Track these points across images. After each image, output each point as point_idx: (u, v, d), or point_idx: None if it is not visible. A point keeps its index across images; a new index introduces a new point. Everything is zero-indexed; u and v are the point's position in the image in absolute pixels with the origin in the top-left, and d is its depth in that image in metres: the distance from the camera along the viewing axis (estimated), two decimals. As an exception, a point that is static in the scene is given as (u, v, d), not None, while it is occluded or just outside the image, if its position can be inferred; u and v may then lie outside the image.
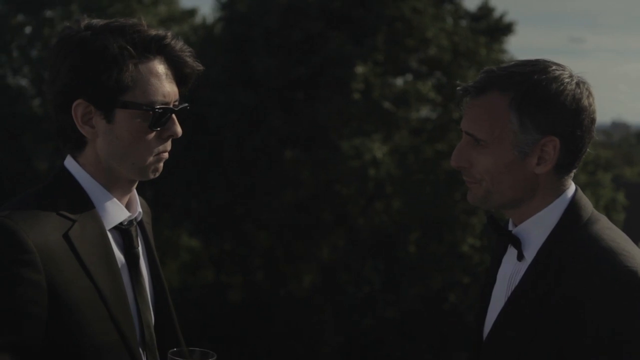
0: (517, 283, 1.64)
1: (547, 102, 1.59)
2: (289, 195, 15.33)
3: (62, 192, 1.57)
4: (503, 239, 1.71)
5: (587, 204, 1.66)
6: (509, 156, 1.61)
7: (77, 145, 1.59)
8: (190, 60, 1.61)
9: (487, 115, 1.62)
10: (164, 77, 1.58)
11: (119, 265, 1.58)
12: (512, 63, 1.65)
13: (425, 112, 16.24)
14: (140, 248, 1.65)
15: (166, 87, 1.58)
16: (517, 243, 1.66)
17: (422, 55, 16.00)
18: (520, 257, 1.66)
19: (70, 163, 1.61)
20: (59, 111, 1.57)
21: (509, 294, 1.65)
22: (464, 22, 16.75)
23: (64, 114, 1.56)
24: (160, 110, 1.56)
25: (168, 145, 1.62)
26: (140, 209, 1.66)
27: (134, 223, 1.64)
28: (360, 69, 14.69)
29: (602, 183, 16.10)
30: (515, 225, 1.69)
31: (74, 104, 1.54)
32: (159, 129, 1.57)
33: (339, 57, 14.84)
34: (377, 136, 15.15)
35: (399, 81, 16.29)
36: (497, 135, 1.61)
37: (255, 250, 16.12)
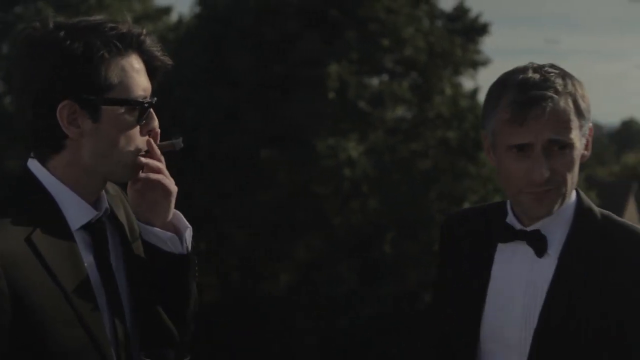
0: (550, 279, 1.72)
1: (583, 92, 1.74)
2: (265, 195, 15.30)
3: (25, 195, 1.54)
4: (517, 236, 1.75)
5: (590, 200, 1.80)
6: (580, 149, 1.73)
7: (55, 147, 1.56)
8: (160, 54, 1.62)
9: (567, 119, 1.70)
10: (142, 72, 1.59)
11: (88, 266, 1.55)
12: (536, 67, 1.74)
13: (400, 111, 16.30)
14: (110, 244, 1.63)
15: (145, 82, 1.59)
16: (540, 241, 1.72)
17: (397, 56, 16.05)
18: (542, 254, 1.72)
19: (33, 165, 1.58)
20: (39, 115, 1.53)
21: (538, 290, 1.72)
22: (439, 23, 16.84)
23: (46, 117, 1.53)
24: (147, 105, 1.57)
25: (147, 142, 1.62)
26: (107, 205, 1.64)
27: (103, 219, 1.62)
28: (334, 68, 14.70)
29: (574, 182, 16.27)
30: (524, 224, 1.75)
31: (60, 105, 1.52)
32: (143, 122, 1.59)
33: (312, 56, 14.84)
34: (352, 136, 15.18)
35: (375, 81, 16.34)
36: (576, 135, 1.71)
37: (231, 250, 16.07)
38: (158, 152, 1.64)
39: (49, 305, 1.46)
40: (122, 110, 1.55)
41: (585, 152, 1.73)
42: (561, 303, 1.68)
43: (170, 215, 1.68)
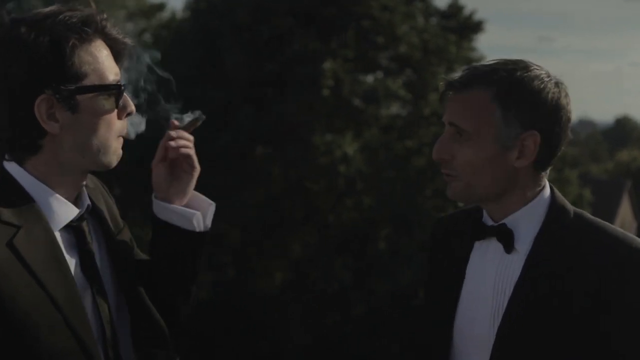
0: (517, 274, 1.68)
1: (530, 97, 1.63)
2: (259, 192, 15.28)
3: (3, 198, 1.50)
4: (488, 233, 1.73)
5: (565, 199, 1.75)
6: (491, 150, 1.64)
7: (33, 149, 1.52)
8: (122, 36, 1.60)
9: (471, 108, 1.64)
10: (110, 56, 1.57)
11: (72, 265, 1.53)
12: (495, 61, 1.69)
13: (395, 109, 16.30)
14: (95, 241, 1.60)
15: (114, 66, 1.57)
16: (507, 236, 1.69)
17: (392, 53, 16.05)
18: (510, 249, 1.70)
19: (10, 166, 1.54)
20: (16, 116, 1.49)
21: (506, 286, 1.69)
22: (433, 20, 16.84)
23: (23, 117, 1.49)
24: (123, 88, 1.56)
25: (126, 126, 1.61)
26: (88, 201, 1.61)
27: (85, 217, 1.59)
28: (328, 65, 14.69)
29: (569, 180, 16.32)
30: (495, 220, 1.73)
31: (37, 102, 1.48)
32: (120, 106, 1.57)
33: (307, 53, 14.82)
34: (347, 133, 15.18)
35: (369, 78, 16.33)
36: (480, 128, 1.63)
37: (224, 247, 16.05)
38: (186, 133, 1.71)
39: (35, 309, 1.44)
40: (99, 97, 1.53)
41: (523, 160, 1.64)
42: (526, 300, 1.65)
43: (189, 195, 1.73)
